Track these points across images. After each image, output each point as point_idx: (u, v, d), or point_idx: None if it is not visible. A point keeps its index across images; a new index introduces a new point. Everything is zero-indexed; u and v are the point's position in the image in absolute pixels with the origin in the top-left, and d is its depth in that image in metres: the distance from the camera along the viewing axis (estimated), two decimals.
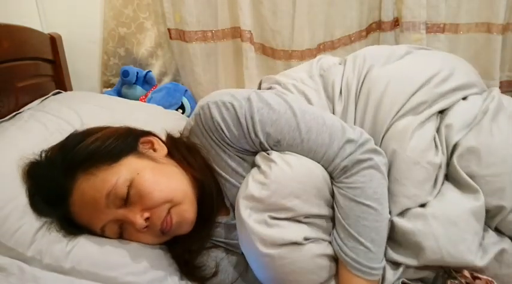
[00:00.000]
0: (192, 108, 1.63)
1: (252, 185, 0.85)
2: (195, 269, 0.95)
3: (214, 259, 0.99)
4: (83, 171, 0.86)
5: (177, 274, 0.93)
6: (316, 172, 0.86)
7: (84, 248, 0.87)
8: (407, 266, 0.87)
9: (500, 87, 1.61)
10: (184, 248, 0.95)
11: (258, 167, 0.88)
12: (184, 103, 1.63)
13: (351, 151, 0.86)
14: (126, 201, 0.86)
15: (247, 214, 0.83)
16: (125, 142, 0.91)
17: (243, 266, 0.97)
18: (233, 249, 0.99)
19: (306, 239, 0.83)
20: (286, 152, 0.88)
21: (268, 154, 0.89)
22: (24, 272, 0.81)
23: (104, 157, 0.87)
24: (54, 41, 1.50)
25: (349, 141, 0.87)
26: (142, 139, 0.95)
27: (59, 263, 0.84)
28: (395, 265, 0.88)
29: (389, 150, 0.92)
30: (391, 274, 0.87)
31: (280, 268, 0.82)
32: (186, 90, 1.67)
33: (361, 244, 0.83)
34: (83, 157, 0.87)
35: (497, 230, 0.89)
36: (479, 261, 0.83)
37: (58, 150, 0.91)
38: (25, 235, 0.85)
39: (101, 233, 0.89)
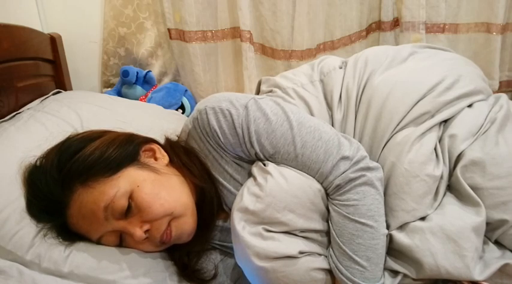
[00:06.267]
0: (192, 108, 1.63)
1: (247, 197, 0.83)
2: (194, 272, 0.94)
3: (213, 261, 0.99)
4: (81, 184, 0.84)
5: (176, 277, 0.93)
6: (312, 186, 0.85)
7: (83, 252, 0.86)
8: (406, 275, 0.86)
9: (499, 87, 1.62)
10: (183, 252, 0.94)
11: (254, 178, 0.86)
12: (184, 103, 1.63)
13: (345, 169, 0.84)
14: (126, 213, 0.84)
15: (242, 227, 0.82)
16: (126, 151, 0.89)
17: (240, 269, 0.95)
18: (230, 251, 0.98)
19: (301, 253, 0.82)
20: (282, 164, 0.87)
21: (264, 165, 0.88)
22: (24, 275, 0.80)
23: (103, 169, 0.85)
24: (54, 41, 1.51)
25: (344, 158, 0.85)
26: (144, 147, 0.93)
27: (57, 267, 0.84)
28: (394, 273, 0.87)
29: (387, 163, 0.90)
30: (389, 282, 0.85)
31: (275, 281, 0.81)
32: (186, 90, 1.67)
33: (357, 263, 0.82)
34: (81, 169, 0.84)
35: (497, 243, 0.86)
36: (479, 276, 0.81)
37: (55, 158, 0.87)
38: (24, 239, 0.84)
39: (98, 243, 0.88)
